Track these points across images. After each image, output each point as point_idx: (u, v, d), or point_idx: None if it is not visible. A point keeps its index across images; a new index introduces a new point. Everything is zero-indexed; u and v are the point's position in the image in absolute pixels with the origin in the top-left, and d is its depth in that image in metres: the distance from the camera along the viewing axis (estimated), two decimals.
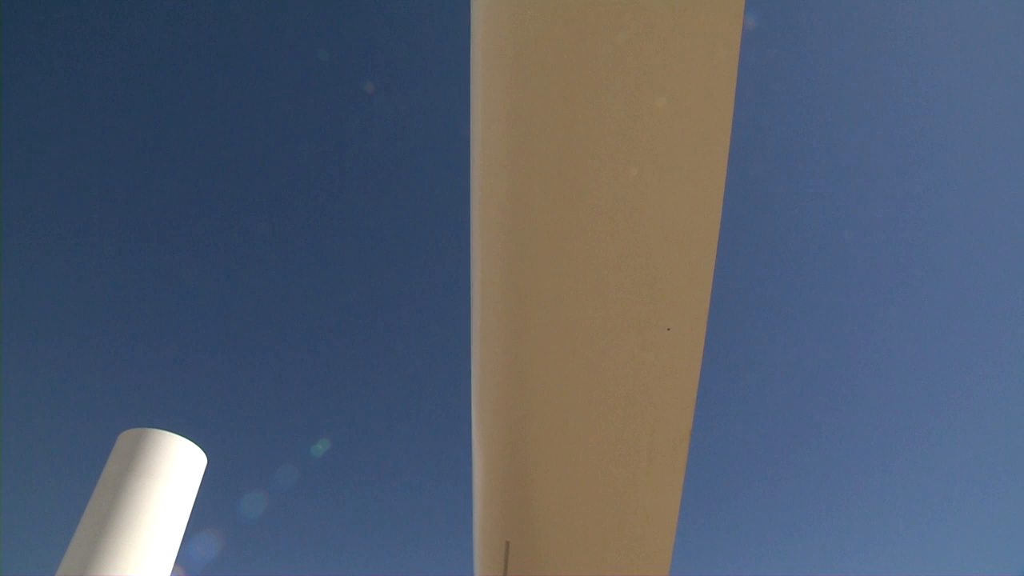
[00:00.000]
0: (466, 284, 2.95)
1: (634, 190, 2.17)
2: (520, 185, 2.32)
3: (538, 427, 2.79)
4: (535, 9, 2.05)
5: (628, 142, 2.12)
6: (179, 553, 8.33)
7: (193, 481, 8.70)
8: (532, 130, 2.19)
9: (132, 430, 8.59)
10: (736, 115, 2.11)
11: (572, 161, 2.18)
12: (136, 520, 7.89)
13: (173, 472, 8.40)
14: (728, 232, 2.30)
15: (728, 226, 2.28)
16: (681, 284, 2.29)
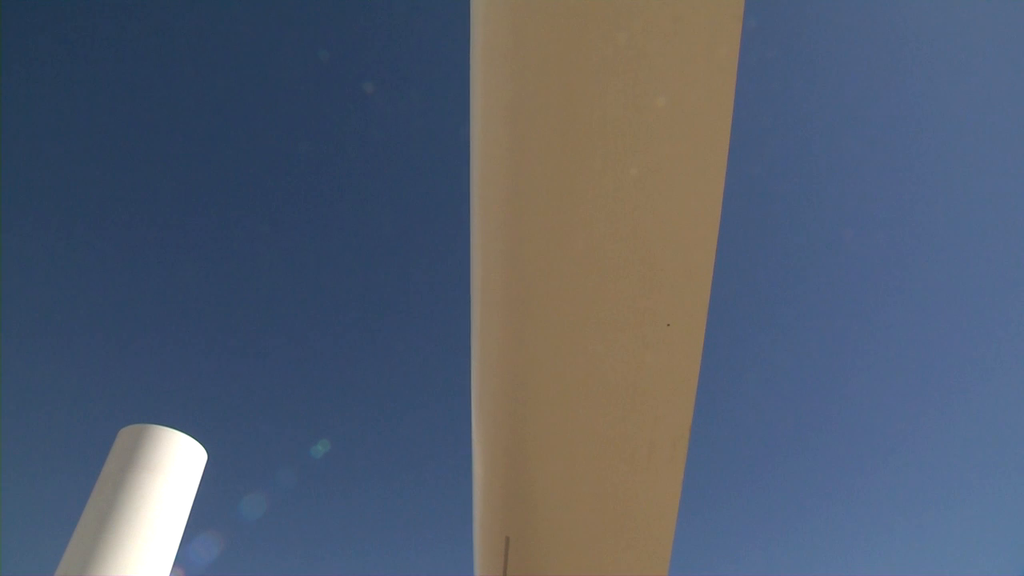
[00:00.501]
0: (466, 282, 2.96)
1: (634, 189, 2.18)
2: (520, 184, 2.33)
3: (538, 423, 2.81)
4: (535, 9, 2.06)
5: (628, 141, 2.13)
6: (180, 554, 8.35)
7: (193, 477, 8.73)
8: (532, 130, 2.21)
9: (132, 426, 8.61)
10: (736, 114, 2.13)
11: (572, 160, 2.20)
12: (136, 516, 7.92)
13: (173, 468, 8.42)
14: (727, 231, 2.31)
15: (727, 225, 2.29)
16: (681, 282, 2.30)
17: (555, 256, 2.38)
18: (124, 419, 8.82)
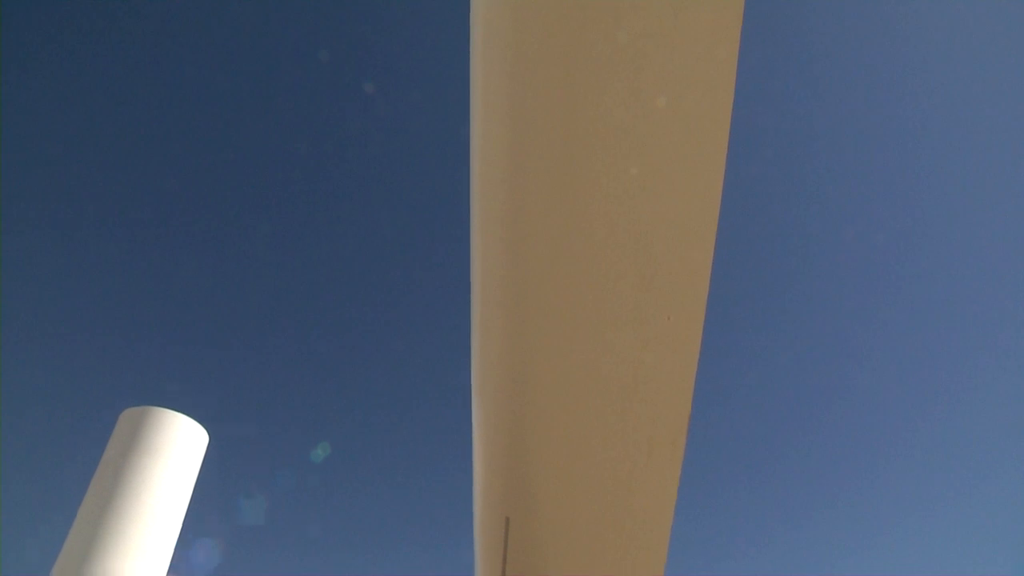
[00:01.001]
0: (466, 279, 2.98)
1: (634, 189, 2.19)
2: (520, 183, 2.34)
3: (537, 421, 2.84)
4: (535, 8, 2.04)
5: (628, 141, 2.14)
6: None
7: (195, 458, 8.82)
8: (532, 129, 2.20)
9: (134, 408, 8.68)
10: (735, 114, 2.13)
11: (572, 160, 2.20)
12: (138, 495, 8.01)
13: (175, 449, 8.51)
14: (726, 230, 2.33)
15: (726, 224, 2.31)
16: (680, 281, 2.32)
17: (555, 254, 2.40)
18: (126, 402, 8.88)
